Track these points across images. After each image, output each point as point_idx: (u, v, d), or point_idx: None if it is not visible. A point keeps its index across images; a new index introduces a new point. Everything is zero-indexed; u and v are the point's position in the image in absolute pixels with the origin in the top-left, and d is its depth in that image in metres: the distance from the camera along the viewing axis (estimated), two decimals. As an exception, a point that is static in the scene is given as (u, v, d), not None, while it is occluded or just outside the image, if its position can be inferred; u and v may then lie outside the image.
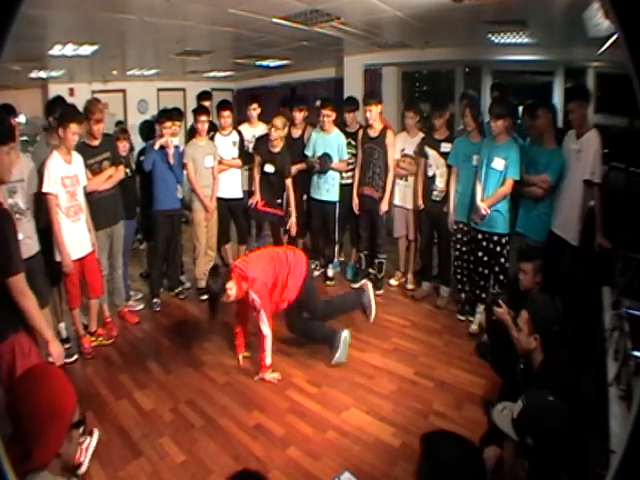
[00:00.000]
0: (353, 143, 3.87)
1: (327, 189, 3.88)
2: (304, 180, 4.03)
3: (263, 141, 3.82)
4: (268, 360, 2.71)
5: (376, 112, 3.63)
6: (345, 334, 2.85)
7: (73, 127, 2.67)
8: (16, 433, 1.05)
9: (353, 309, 3.24)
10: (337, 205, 3.91)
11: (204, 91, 4.58)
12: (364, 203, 3.82)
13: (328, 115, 3.76)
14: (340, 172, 3.89)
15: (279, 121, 3.66)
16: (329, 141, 3.82)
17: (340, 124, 3.96)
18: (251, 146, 3.99)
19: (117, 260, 3.33)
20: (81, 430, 1.19)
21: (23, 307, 1.72)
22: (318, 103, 4.40)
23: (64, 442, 1.12)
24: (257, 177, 3.88)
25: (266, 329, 2.66)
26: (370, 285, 3.18)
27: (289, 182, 3.81)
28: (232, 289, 2.61)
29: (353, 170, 3.88)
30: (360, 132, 3.80)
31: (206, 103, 4.12)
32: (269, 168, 3.81)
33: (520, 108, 3.65)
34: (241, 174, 4.02)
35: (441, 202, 3.50)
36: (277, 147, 3.74)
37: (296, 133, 4.05)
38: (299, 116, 3.98)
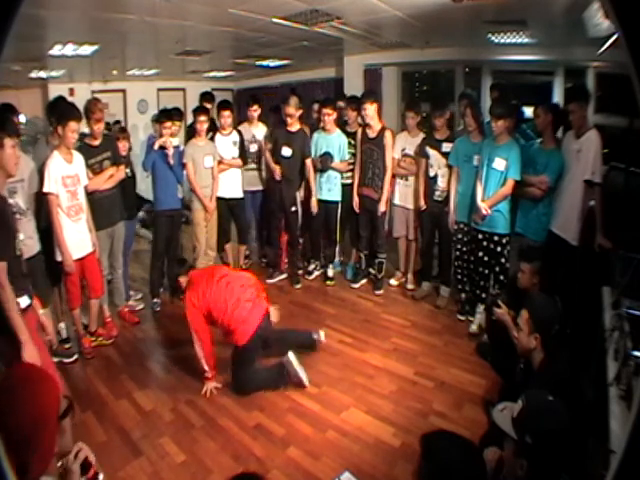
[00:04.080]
0: (352, 142, 3.87)
1: (329, 189, 3.89)
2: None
3: (278, 126, 3.86)
4: (203, 365, 2.56)
5: (372, 111, 3.61)
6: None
7: (72, 125, 2.67)
8: (7, 447, 1.03)
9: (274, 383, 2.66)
10: (339, 205, 3.92)
11: (206, 92, 4.58)
12: (363, 203, 3.82)
13: (329, 114, 3.75)
14: (341, 172, 3.89)
15: (293, 100, 3.69)
16: (331, 141, 3.82)
17: (340, 124, 3.96)
18: (253, 147, 3.98)
19: (117, 260, 3.34)
20: (70, 416, 1.15)
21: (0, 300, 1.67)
22: (316, 107, 4.42)
23: (58, 439, 1.10)
24: (271, 159, 3.85)
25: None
26: (293, 357, 2.62)
27: (309, 162, 3.83)
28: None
29: (353, 170, 3.88)
30: (359, 132, 3.80)
31: (208, 105, 4.13)
32: (286, 151, 3.79)
33: (529, 109, 3.65)
34: (241, 174, 4.03)
35: (443, 202, 3.50)
36: (294, 127, 3.76)
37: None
38: (295, 115, 3.96)
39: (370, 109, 3.60)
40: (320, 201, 3.93)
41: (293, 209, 3.95)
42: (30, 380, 1.12)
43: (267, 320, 2.64)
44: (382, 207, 3.73)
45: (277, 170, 3.81)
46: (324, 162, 3.78)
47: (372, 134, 3.70)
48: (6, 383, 1.12)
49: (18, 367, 1.56)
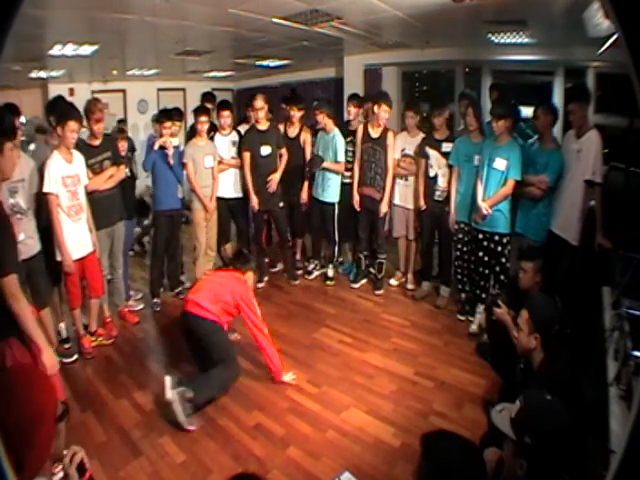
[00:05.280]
0: (353, 140, 3.85)
1: (323, 189, 3.89)
2: (293, 181, 4.01)
3: (249, 130, 3.86)
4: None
5: (388, 114, 3.62)
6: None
7: (71, 125, 2.67)
8: (4, 445, 1.02)
9: None
10: (335, 206, 3.91)
11: (208, 92, 4.58)
12: (364, 203, 3.82)
13: (317, 114, 3.78)
14: (337, 173, 3.86)
15: (258, 97, 3.71)
16: (327, 142, 3.83)
17: (342, 123, 3.95)
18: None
19: (117, 260, 3.34)
20: (65, 420, 1.15)
21: (14, 311, 1.67)
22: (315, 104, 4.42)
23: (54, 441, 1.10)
24: (249, 178, 3.80)
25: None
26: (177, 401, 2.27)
27: (284, 150, 3.86)
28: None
29: (352, 170, 3.87)
30: (360, 130, 3.78)
31: (209, 105, 4.12)
32: (265, 150, 3.78)
33: (527, 109, 3.65)
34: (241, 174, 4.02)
35: (443, 202, 3.50)
36: (263, 124, 3.77)
37: (293, 133, 4.03)
38: (296, 115, 3.96)
39: (388, 113, 3.60)
40: (317, 201, 3.95)
41: (281, 205, 3.96)
42: (28, 379, 1.12)
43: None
44: (384, 208, 3.73)
45: (255, 204, 3.83)
46: (310, 164, 3.83)
47: (375, 134, 3.69)
48: (4, 381, 1.12)
49: (16, 366, 1.57)
